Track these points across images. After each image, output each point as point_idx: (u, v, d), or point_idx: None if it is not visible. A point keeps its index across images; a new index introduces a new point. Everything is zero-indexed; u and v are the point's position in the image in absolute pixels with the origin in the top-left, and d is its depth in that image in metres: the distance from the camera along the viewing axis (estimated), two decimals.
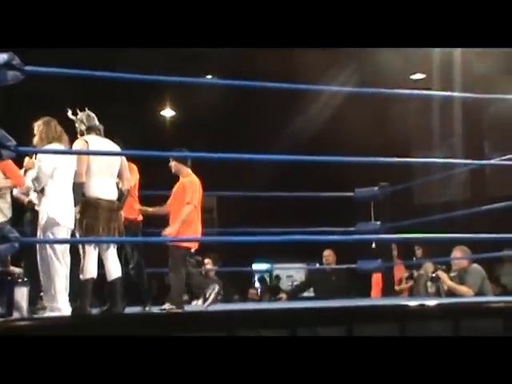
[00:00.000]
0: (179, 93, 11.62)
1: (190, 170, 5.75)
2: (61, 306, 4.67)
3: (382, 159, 5.14)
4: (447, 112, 10.66)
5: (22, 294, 4.45)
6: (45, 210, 4.83)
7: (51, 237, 4.78)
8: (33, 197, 5.35)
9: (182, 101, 12.35)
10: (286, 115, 11.60)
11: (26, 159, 5.29)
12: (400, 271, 7.56)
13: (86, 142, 5.12)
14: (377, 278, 7.68)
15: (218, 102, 10.22)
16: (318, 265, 9.18)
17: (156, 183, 6.27)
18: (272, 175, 11.04)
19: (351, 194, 7.33)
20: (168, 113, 13.71)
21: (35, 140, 5.06)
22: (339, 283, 7.69)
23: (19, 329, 3.07)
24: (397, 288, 7.52)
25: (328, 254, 7.92)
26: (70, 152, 5.08)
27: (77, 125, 5.33)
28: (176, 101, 13.05)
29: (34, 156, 5.25)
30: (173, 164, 5.74)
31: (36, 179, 4.87)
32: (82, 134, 5.26)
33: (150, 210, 5.91)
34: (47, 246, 4.75)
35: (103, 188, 5.10)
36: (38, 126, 5.07)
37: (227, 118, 11.90)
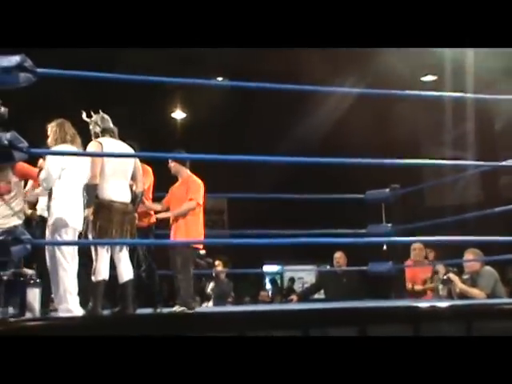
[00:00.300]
0: (190, 95, 11.65)
1: (189, 171, 5.77)
2: (71, 306, 4.68)
3: (392, 161, 5.12)
4: (459, 114, 10.62)
5: (34, 295, 4.48)
6: (52, 211, 4.85)
7: (59, 238, 4.79)
8: (42, 200, 5.36)
9: (193, 103, 12.37)
10: (296, 116, 11.60)
11: (40, 160, 5.30)
12: (425, 271, 7.42)
13: (100, 143, 5.14)
14: (412, 278, 7.53)
15: (227, 104, 10.25)
16: (328, 267, 9.17)
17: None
18: (282, 177, 11.04)
19: (362, 195, 7.32)
20: (179, 115, 13.74)
21: (48, 141, 5.09)
22: (350, 285, 7.66)
23: (31, 329, 3.08)
24: (419, 288, 7.35)
25: (339, 256, 7.90)
26: (80, 154, 5.10)
27: (91, 127, 5.35)
28: (187, 103, 13.07)
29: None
30: (172, 165, 5.76)
31: (44, 180, 4.89)
32: (97, 136, 5.28)
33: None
34: (55, 247, 4.77)
35: (117, 190, 5.12)
36: (51, 128, 5.09)
37: (236, 120, 11.91)
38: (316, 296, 8.79)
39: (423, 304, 4.50)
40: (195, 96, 11.18)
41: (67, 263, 4.76)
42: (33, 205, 5.60)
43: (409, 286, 7.38)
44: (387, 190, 7.21)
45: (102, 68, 4.34)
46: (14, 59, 3.59)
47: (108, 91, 7.72)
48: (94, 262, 4.94)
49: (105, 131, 5.28)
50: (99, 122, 5.31)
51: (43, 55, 3.93)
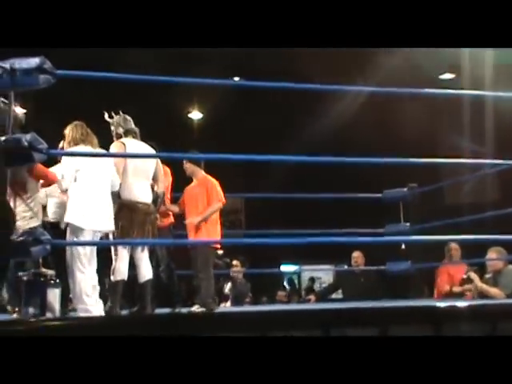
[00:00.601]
0: (206, 95, 11.66)
1: (203, 172, 5.78)
2: (89, 307, 4.70)
3: (410, 160, 5.10)
4: (477, 112, 10.56)
5: (54, 296, 4.51)
6: (68, 213, 4.87)
7: (75, 239, 4.82)
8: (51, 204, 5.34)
9: (209, 103, 12.39)
10: (313, 116, 11.58)
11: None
12: (461, 272, 7.26)
13: (124, 144, 5.18)
14: (443, 279, 7.41)
15: (241, 103, 10.26)
16: (346, 266, 9.15)
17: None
18: (299, 176, 11.03)
19: (380, 195, 7.30)
20: (195, 115, 13.76)
21: (63, 144, 5.11)
22: (368, 285, 7.64)
23: (51, 328, 3.09)
24: (458, 289, 7.16)
25: (357, 256, 7.87)
26: (98, 155, 5.11)
27: (112, 128, 5.38)
28: (203, 103, 13.09)
29: None
30: (187, 166, 5.77)
31: (59, 182, 4.91)
32: (119, 137, 5.31)
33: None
34: (72, 249, 4.79)
35: (139, 190, 5.14)
36: (67, 130, 5.12)
37: (250, 119, 11.91)
38: (334, 296, 8.78)
39: (443, 304, 4.48)
40: (210, 96, 11.19)
41: (83, 265, 4.78)
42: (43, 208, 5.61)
43: (446, 287, 7.20)
44: (405, 189, 7.19)
45: (112, 68, 4.35)
46: (33, 61, 3.63)
47: (120, 91, 7.74)
48: (114, 262, 4.97)
49: (128, 132, 5.31)
50: (122, 123, 5.34)
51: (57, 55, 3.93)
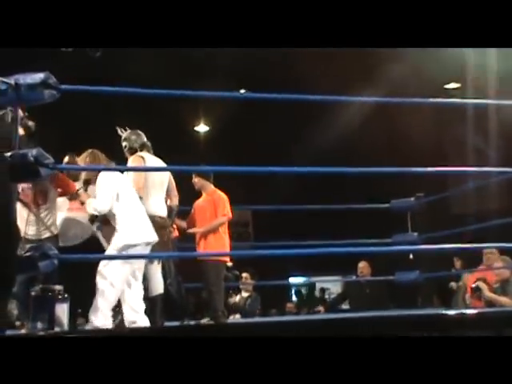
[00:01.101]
0: (212, 108, 11.69)
1: (213, 186, 5.79)
2: (98, 324, 4.67)
3: (417, 169, 5.10)
4: (482, 121, 10.55)
5: (62, 310, 4.51)
6: (122, 233, 4.82)
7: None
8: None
9: (215, 115, 12.41)
10: (320, 126, 11.58)
11: (80, 190, 5.18)
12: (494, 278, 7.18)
13: (143, 158, 5.20)
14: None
15: (249, 115, 10.26)
16: (354, 277, 9.14)
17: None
18: (306, 187, 11.03)
19: (387, 205, 7.29)
20: (202, 128, 13.79)
21: (84, 174, 5.06)
22: (373, 295, 7.63)
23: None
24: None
25: (362, 266, 7.87)
26: (114, 169, 5.07)
27: (125, 143, 5.38)
28: (210, 116, 13.11)
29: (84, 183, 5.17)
30: (196, 180, 5.78)
31: (99, 205, 4.84)
32: (134, 152, 5.31)
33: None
34: (103, 267, 4.76)
35: (156, 204, 5.15)
36: (83, 160, 5.05)
37: (258, 131, 11.91)
38: (343, 306, 8.77)
39: (451, 312, 4.45)
40: (216, 108, 11.22)
41: (109, 284, 4.73)
42: None
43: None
44: (412, 198, 7.18)
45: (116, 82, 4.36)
46: (37, 76, 3.64)
47: (125, 105, 7.76)
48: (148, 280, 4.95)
49: (143, 146, 5.34)
50: (136, 138, 5.36)
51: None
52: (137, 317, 4.75)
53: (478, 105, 8.27)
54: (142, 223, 4.86)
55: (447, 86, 11.79)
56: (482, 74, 9.83)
